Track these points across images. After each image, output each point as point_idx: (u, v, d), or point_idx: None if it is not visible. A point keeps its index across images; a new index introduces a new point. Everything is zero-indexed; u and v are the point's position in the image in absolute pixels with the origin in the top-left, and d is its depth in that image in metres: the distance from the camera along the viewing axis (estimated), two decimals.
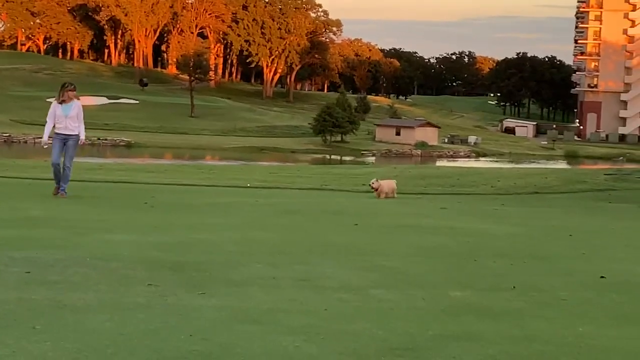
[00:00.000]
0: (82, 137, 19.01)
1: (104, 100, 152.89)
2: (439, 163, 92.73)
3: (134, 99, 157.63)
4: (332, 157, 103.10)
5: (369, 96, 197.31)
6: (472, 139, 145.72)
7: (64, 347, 6.41)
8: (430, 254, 12.26)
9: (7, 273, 9.27)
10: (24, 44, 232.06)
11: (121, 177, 25.35)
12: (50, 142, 18.81)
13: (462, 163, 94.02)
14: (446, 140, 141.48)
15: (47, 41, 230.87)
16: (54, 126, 18.78)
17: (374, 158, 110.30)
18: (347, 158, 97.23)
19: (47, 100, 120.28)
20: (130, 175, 26.76)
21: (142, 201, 18.51)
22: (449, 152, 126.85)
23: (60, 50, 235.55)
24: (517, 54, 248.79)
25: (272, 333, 7.16)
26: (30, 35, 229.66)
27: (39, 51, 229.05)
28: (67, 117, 18.65)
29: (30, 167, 16.24)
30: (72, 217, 14.85)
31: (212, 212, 16.80)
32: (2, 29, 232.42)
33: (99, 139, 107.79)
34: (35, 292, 8.35)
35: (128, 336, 6.80)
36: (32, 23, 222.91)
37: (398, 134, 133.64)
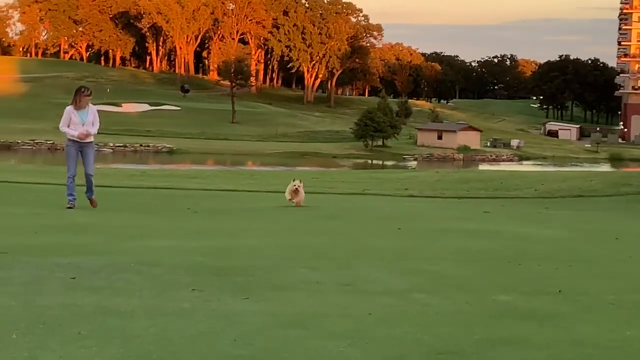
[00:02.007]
0: (92, 131, 17.57)
1: (145, 107, 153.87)
2: (482, 167, 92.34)
3: (175, 106, 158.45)
4: (374, 161, 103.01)
5: (410, 100, 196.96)
6: (514, 142, 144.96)
7: (109, 352, 6.44)
8: (474, 258, 12.18)
9: (53, 279, 9.33)
10: (67, 52, 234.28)
11: (164, 183, 25.46)
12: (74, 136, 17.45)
13: (504, 166, 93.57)
14: (488, 144, 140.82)
15: (90, 49, 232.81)
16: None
17: (415, 162, 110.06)
18: (389, 162, 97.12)
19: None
20: (172, 181, 26.87)
21: (184, 207, 18.57)
22: (491, 156, 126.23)
23: (102, 58, 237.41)
24: (560, 56, 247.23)
25: (316, 338, 7.14)
26: (73, 44, 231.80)
27: (81, 59, 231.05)
28: (83, 124, 17.48)
29: (79, 174, 16.36)
30: (115, 224, 14.93)
31: (255, 218, 16.83)
32: (45, 37, 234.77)
33: (141, 145, 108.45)
34: (80, 297, 8.40)
35: (172, 341, 6.82)
36: (74, 31, 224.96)
37: (440, 137, 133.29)
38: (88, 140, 17.58)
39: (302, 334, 7.25)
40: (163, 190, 23.21)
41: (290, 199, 18.24)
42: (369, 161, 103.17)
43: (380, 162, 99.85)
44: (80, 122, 17.45)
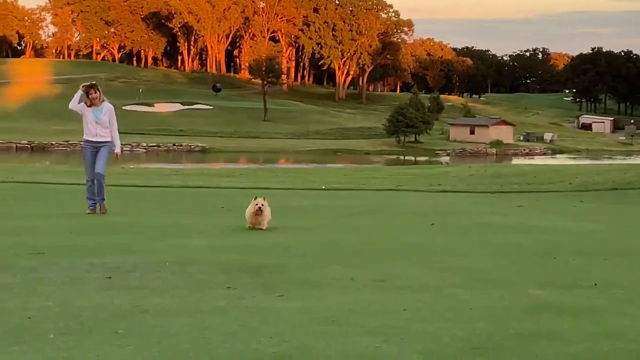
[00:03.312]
0: (118, 149, 16.62)
1: (178, 107, 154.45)
2: (515, 161, 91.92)
3: (207, 105, 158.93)
4: (406, 157, 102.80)
5: (442, 95, 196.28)
6: (547, 136, 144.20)
7: (146, 351, 6.49)
8: (508, 253, 12.15)
9: (89, 279, 9.40)
10: (99, 53, 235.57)
11: (197, 182, 25.56)
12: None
13: (538, 160, 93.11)
14: (521, 138, 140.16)
15: (122, 49, 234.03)
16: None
17: (448, 158, 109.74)
18: (422, 158, 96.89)
19: (123, 108, 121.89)
20: (206, 180, 26.97)
21: (218, 205, 18.64)
22: (524, 150, 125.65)
23: (134, 58, 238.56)
24: (592, 49, 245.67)
25: (351, 334, 7.16)
26: (105, 44, 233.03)
27: (113, 60, 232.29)
28: (97, 122, 16.34)
29: (109, 174, 16.43)
30: (150, 223, 15.02)
31: (288, 215, 16.86)
32: (77, 39, 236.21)
33: (174, 144, 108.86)
34: (116, 297, 8.46)
35: (208, 339, 6.86)
36: (106, 32, 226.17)
37: (472, 132, 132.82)
38: (103, 139, 16.41)
39: (337, 331, 7.27)
40: (197, 189, 23.31)
41: (252, 224, 14.08)
42: (402, 157, 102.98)
43: (413, 158, 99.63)
44: (94, 120, 16.31)
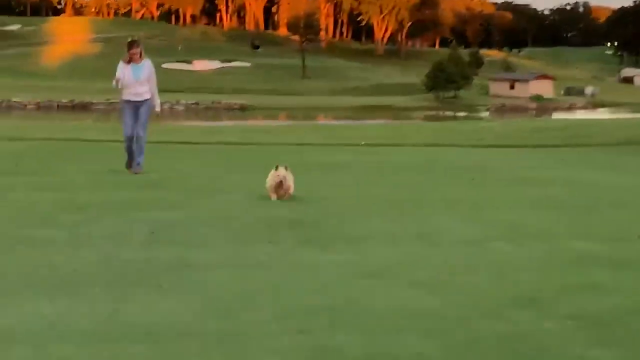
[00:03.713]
0: (157, 107, 16.10)
1: (217, 64, 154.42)
2: (556, 115, 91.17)
3: (246, 62, 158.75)
4: (446, 113, 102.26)
5: (481, 50, 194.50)
6: (589, 90, 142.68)
7: (190, 304, 6.55)
8: (550, 206, 12.10)
9: (133, 234, 9.48)
10: (138, 12, 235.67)
11: (238, 139, 25.59)
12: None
13: (579, 115, 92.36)
14: (562, 93, 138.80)
15: (160, 8, 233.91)
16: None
17: (488, 113, 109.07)
18: (461, 114, 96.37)
19: (162, 66, 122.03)
20: (246, 136, 26.99)
21: (259, 161, 18.68)
22: (565, 104, 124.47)
23: (172, 16, 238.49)
24: (634, 1, 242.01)
25: (393, 287, 7.18)
26: (143, 3, 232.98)
27: (152, 18, 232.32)
28: (137, 80, 15.74)
29: (157, 131, 16.41)
30: (192, 179, 15.07)
31: (328, 170, 16.86)
32: None
33: (213, 102, 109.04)
34: (160, 251, 8.54)
35: (252, 292, 6.91)
36: None
37: (512, 87, 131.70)
38: (143, 98, 15.84)
39: (379, 284, 7.30)
40: (237, 145, 23.33)
41: (274, 196, 12.27)
42: (441, 113, 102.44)
43: (452, 114, 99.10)
44: (134, 78, 15.73)
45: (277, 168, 12.20)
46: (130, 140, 15.76)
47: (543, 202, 12.48)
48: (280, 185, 12.17)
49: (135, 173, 15.49)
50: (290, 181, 12.29)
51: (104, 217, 10.60)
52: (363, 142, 24.52)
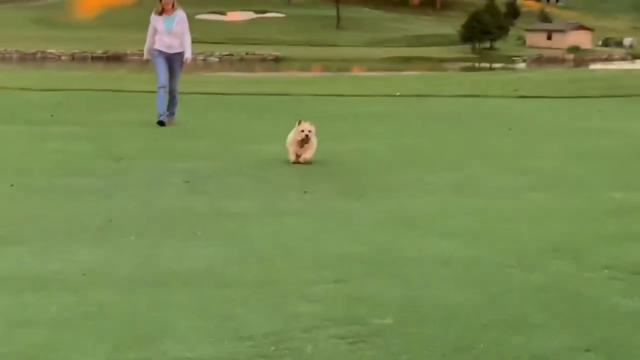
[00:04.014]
0: (188, 54, 15.47)
1: (251, 15, 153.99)
2: (593, 67, 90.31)
3: (280, 13, 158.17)
4: (482, 64, 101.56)
5: (518, 1, 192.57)
6: (627, 41, 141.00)
7: (226, 252, 6.55)
8: (589, 156, 11.99)
9: (169, 183, 9.51)
10: None
11: (272, 90, 25.55)
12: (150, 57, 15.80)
13: (617, 66, 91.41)
14: (600, 44, 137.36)
15: None
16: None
17: (524, 64, 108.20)
18: (497, 65, 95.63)
19: (196, 17, 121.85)
20: (280, 87, 26.93)
21: (293, 112, 18.63)
22: (603, 56, 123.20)
23: None
24: None
25: (430, 236, 7.15)
26: None
27: None
28: (170, 32, 15.35)
29: (183, 82, 16.36)
30: (227, 129, 15.09)
31: (364, 121, 16.80)
32: None
33: (247, 53, 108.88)
34: (195, 201, 8.55)
35: (288, 241, 6.90)
36: None
37: (549, 38, 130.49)
38: (175, 50, 15.43)
39: (415, 233, 7.27)
40: (272, 96, 23.30)
41: (295, 155, 10.92)
42: (477, 64, 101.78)
43: (488, 65, 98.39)
44: (167, 30, 15.34)
45: (300, 122, 10.82)
46: (163, 89, 15.40)
47: (581, 152, 12.37)
48: (306, 139, 10.70)
49: (166, 124, 15.22)
50: (314, 140, 10.83)
51: (140, 166, 10.63)
52: (398, 93, 24.41)
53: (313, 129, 10.79)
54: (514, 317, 5.11)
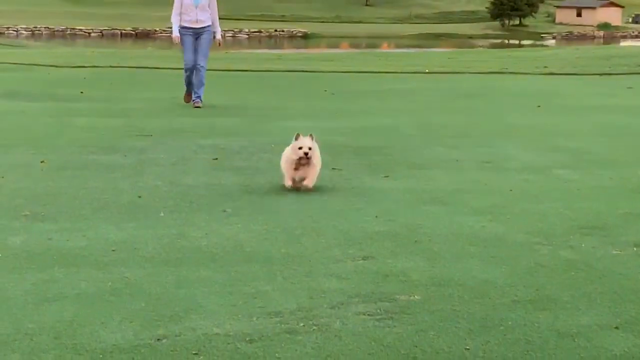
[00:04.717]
0: (219, 35, 15.03)
1: None
2: (623, 43, 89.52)
3: None
4: (511, 41, 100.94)
5: None
6: None
7: (254, 228, 6.57)
8: (618, 134, 11.92)
9: (197, 160, 9.54)
10: None
11: (300, 67, 25.51)
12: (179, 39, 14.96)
13: None
14: (630, 20, 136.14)
15: None
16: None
17: (554, 41, 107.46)
18: (526, 42, 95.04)
19: None
20: (309, 64, 26.89)
21: (322, 89, 18.62)
22: (633, 32, 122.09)
23: None
24: None
25: (457, 213, 7.14)
26: None
27: None
28: (196, 6, 14.70)
29: (211, 59, 16.31)
30: (255, 106, 15.10)
31: (392, 98, 16.77)
32: None
33: (275, 30, 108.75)
34: (223, 177, 8.58)
35: (315, 218, 6.91)
36: None
37: (579, 15, 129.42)
38: (203, 25, 14.80)
39: (443, 210, 7.26)
40: (300, 73, 23.26)
41: (292, 180, 7.97)
42: (506, 41, 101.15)
43: (517, 42, 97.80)
44: (193, 4, 14.69)
45: (297, 137, 7.95)
46: (191, 70, 14.80)
47: (609, 130, 12.30)
48: (305, 160, 7.85)
49: (195, 107, 14.66)
50: (316, 157, 7.98)
51: (168, 143, 10.66)
52: (427, 70, 24.32)
53: (315, 145, 7.93)
54: (542, 295, 5.10)
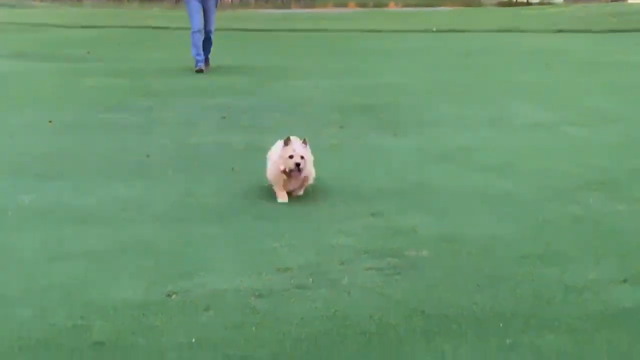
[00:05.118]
0: None
1: None
2: (632, 0, 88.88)
3: None
4: (519, 0, 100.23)
5: None
6: None
7: (262, 187, 6.57)
8: (626, 91, 11.86)
9: (205, 119, 9.54)
10: None
11: (307, 26, 25.41)
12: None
13: None
14: None
15: None
16: None
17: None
18: (535, 0, 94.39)
19: None
20: (315, 23, 26.78)
21: (329, 48, 18.57)
22: None
23: None
24: None
25: (465, 170, 7.15)
26: None
27: None
28: None
29: (218, 18, 16.21)
30: (262, 65, 15.06)
31: (400, 56, 16.70)
32: None
33: None
34: (231, 136, 8.58)
35: (324, 175, 6.86)
36: None
37: None
38: None
39: (451, 168, 7.26)
40: (308, 32, 23.18)
41: (284, 193, 6.43)
42: (514, 0, 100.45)
43: (525, 0, 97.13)
44: None
45: (287, 141, 6.42)
46: (198, 34, 14.05)
47: (618, 87, 12.25)
48: (296, 170, 6.34)
49: (201, 70, 14.05)
50: (309, 163, 6.48)
51: (176, 102, 10.67)
52: (434, 29, 24.21)
53: (307, 152, 6.44)
54: (550, 250, 5.11)
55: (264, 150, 6.90)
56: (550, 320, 4.08)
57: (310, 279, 4.63)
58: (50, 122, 9.22)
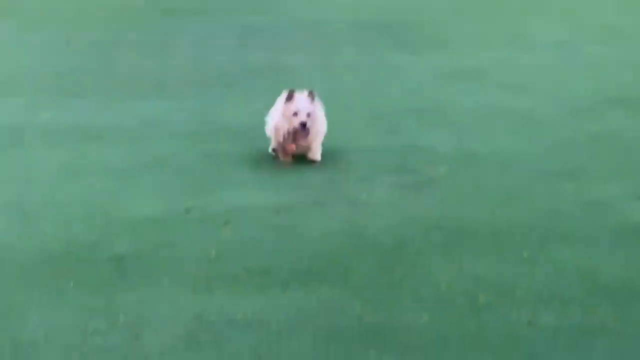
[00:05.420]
0: None
1: None
2: None
3: None
4: None
5: None
6: None
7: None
8: None
9: (222, 38, 9.46)
10: None
11: None
12: None
13: None
14: None
15: None
16: None
17: None
18: None
19: None
20: None
21: None
22: None
23: None
24: None
25: (485, 88, 7.11)
26: None
27: None
28: None
29: None
30: None
31: None
32: None
33: None
34: (249, 55, 8.51)
35: (341, 94, 6.84)
36: None
37: None
38: None
39: (469, 86, 7.22)
40: None
41: (286, 154, 5.34)
42: None
43: None
44: None
45: (291, 96, 5.41)
46: None
47: (637, 4, 12.07)
48: (301, 132, 5.30)
49: None
50: (319, 121, 5.43)
51: (193, 21, 10.56)
52: None
53: (313, 108, 5.41)
54: (568, 167, 5.12)
55: (284, 70, 6.90)
56: (567, 235, 4.11)
57: (329, 196, 4.65)
58: (68, 40, 9.17)
